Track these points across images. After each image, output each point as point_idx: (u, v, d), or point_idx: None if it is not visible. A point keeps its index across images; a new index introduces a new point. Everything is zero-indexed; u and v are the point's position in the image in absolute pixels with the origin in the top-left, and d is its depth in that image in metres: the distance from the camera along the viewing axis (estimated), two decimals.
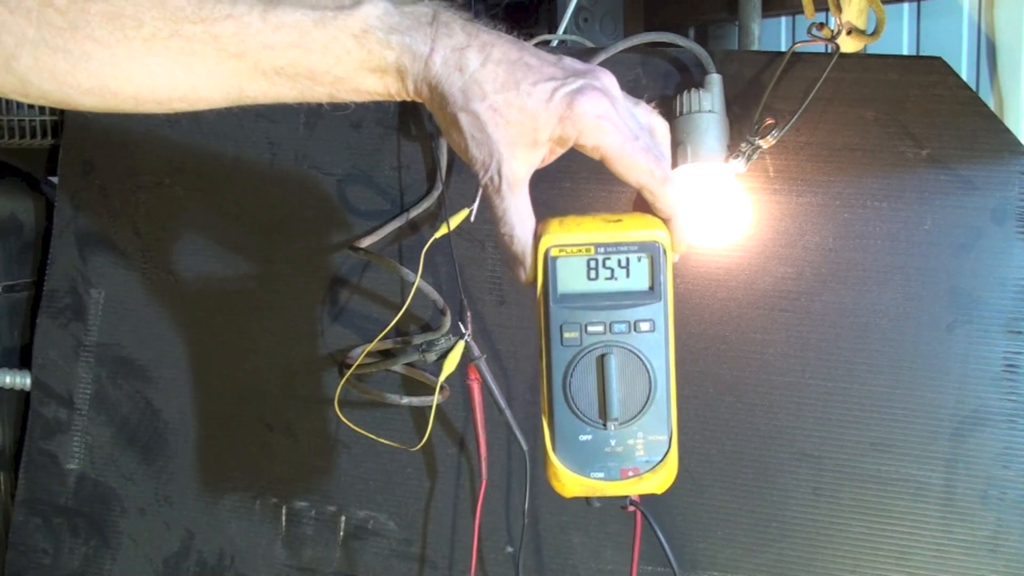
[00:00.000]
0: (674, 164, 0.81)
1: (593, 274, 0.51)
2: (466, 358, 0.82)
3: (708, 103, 0.79)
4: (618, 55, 0.83)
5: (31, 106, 1.01)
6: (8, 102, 1.01)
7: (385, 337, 0.88)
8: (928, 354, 0.80)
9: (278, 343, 0.95)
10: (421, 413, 0.90)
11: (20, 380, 1.01)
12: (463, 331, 0.81)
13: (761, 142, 0.76)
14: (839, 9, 0.80)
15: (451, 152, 0.89)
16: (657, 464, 0.52)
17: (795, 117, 0.75)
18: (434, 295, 0.85)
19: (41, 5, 0.44)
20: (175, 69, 0.47)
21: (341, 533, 0.94)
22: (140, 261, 0.98)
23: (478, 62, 0.49)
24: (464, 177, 0.89)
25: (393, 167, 0.92)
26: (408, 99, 0.51)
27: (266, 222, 0.95)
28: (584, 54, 0.85)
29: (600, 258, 0.51)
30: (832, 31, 0.79)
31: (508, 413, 0.81)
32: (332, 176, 0.93)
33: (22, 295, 1.04)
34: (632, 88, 0.86)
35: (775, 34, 1.15)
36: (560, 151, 0.52)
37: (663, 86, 0.85)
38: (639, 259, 0.51)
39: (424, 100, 0.51)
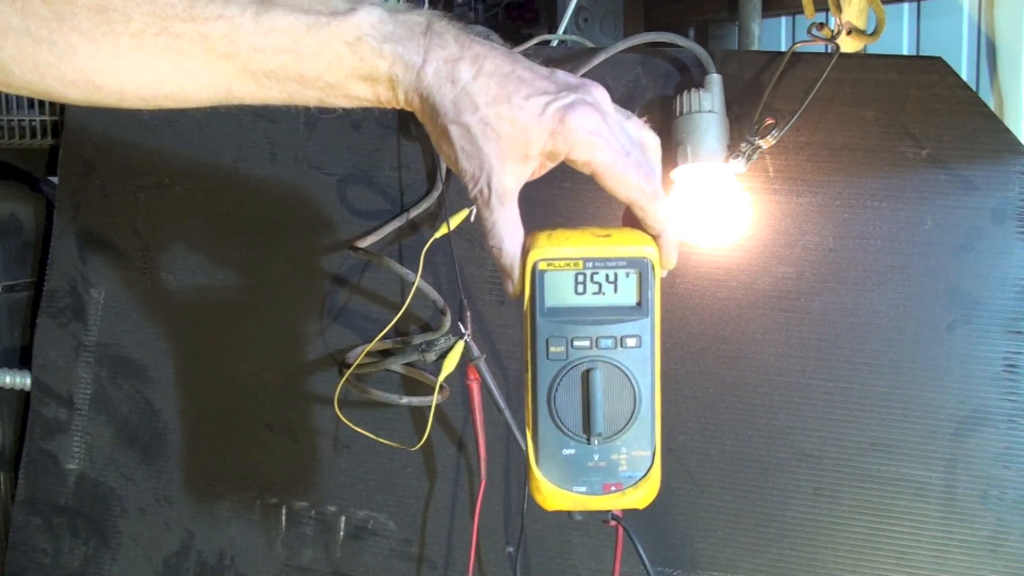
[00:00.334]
0: (674, 164, 0.81)
1: (581, 288, 0.51)
2: (466, 358, 0.82)
3: (708, 103, 0.79)
4: (618, 55, 0.83)
5: (31, 106, 1.01)
6: (8, 102, 1.01)
7: (385, 337, 0.88)
8: (928, 354, 0.80)
9: (278, 343, 0.95)
10: (421, 413, 0.90)
11: (20, 380, 1.01)
12: (463, 331, 0.81)
13: (761, 142, 0.76)
14: (839, 9, 0.80)
15: None
16: (640, 480, 0.52)
17: (795, 117, 0.75)
18: (434, 295, 0.85)
19: None
20: (162, 66, 0.47)
21: (341, 533, 0.94)
22: (140, 261, 0.98)
23: (470, 74, 0.49)
24: None
25: (393, 167, 0.92)
26: (399, 108, 0.51)
27: (266, 222, 0.95)
28: (584, 54, 0.85)
29: (588, 273, 0.51)
30: (832, 31, 0.79)
31: (507, 413, 0.81)
32: (332, 176, 0.93)
33: (22, 295, 1.04)
34: (632, 88, 0.86)
35: (775, 34, 1.15)
36: (551, 165, 0.52)
37: (663, 86, 0.85)
38: (627, 275, 0.51)
39: (415, 110, 0.51)
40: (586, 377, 0.51)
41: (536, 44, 0.89)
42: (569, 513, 0.54)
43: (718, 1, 1.10)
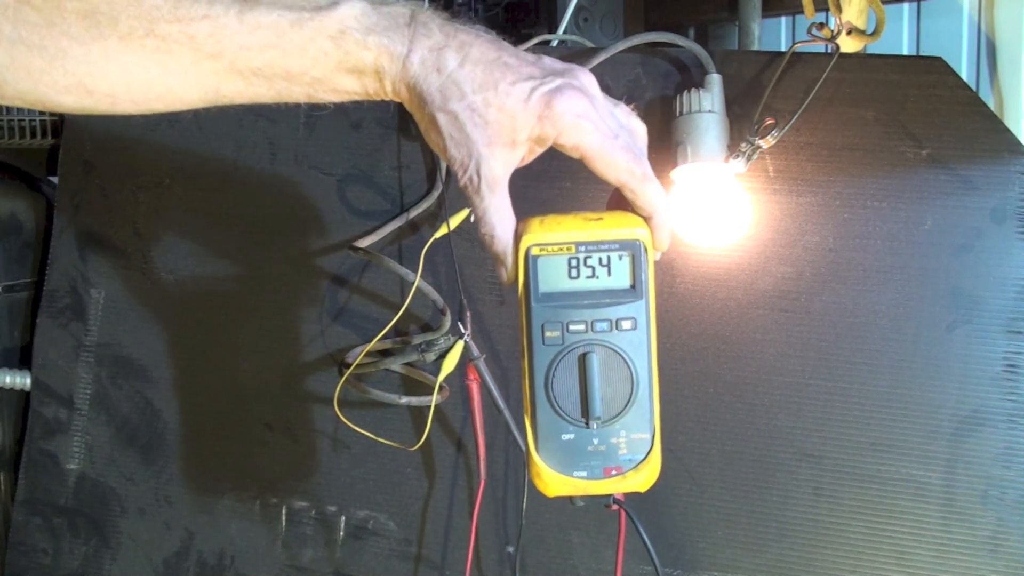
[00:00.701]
0: (674, 164, 0.81)
1: (574, 273, 0.51)
2: (465, 358, 0.82)
3: (708, 103, 0.79)
4: (618, 55, 0.83)
5: None
6: None
7: (384, 337, 0.88)
8: (928, 354, 0.80)
9: (278, 343, 0.95)
10: (420, 413, 0.90)
11: (20, 380, 1.01)
12: (462, 331, 0.81)
13: (761, 142, 0.76)
14: (839, 9, 0.80)
15: None
16: (640, 462, 0.52)
17: (795, 117, 0.75)
18: (434, 295, 0.85)
19: (18, 2, 0.44)
20: (151, 68, 0.47)
21: (341, 533, 0.94)
22: (140, 261, 0.98)
23: (456, 62, 0.49)
24: None
25: (393, 167, 0.92)
26: (387, 99, 0.51)
27: (266, 222, 0.95)
28: (584, 54, 0.85)
29: (581, 257, 0.51)
30: (832, 31, 0.79)
31: (507, 413, 0.81)
32: (332, 176, 0.93)
33: (22, 295, 1.04)
34: (632, 88, 0.86)
35: (775, 34, 1.15)
36: (539, 150, 0.52)
37: (663, 86, 0.85)
38: (620, 257, 0.51)
39: (403, 100, 0.51)
40: (583, 361, 0.51)
41: (536, 44, 0.89)
42: (570, 499, 0.54)
43: (718, 1, 1.10)
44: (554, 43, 0.96)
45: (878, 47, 0.84)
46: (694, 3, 1.13)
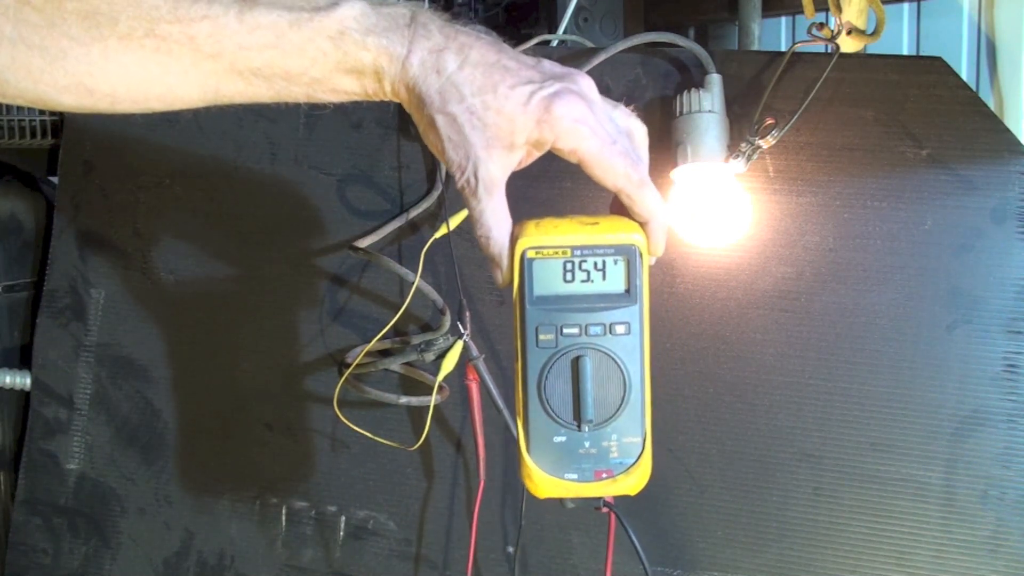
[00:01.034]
0: (674, 164, 0.81)
1: (569, 276, 0.51)
2: (465, 358, 0.82)
3: (708, 103, 0.79)
4: (618, 55, 0.83)
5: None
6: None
7: (384, 337, 0.88)
8: (928, 354, 0.80)
9: (278, 343, 0.95)
10: (420, 413, 0.90)
11: (20, 380, 1.01)
12: (462, 331, 0.81)
13: (761, 142, 0.76)
14: (839, 9, 0.80)
15: None
16: (631, 466, 0.53)
17: (795, 117, 0.75)
18: (433, 295, 0.85)
19: (18, 3, 0.45)
20: (151, 68, 0.47)
21: (341, 533, 0.94)
22: (140, 261, 0.98)
23: (456, 64, 0.49)
24: None
25: (393, 167, 0.92)
26: (386, 99, 0.51)
27: (266, 222, 0.95)
28: (584, 54, 0.85)
29: (576, 260, 0.51)
30: (832, 31, 0.79)
31: (506, 413, 0.81)
32: (332, 176, 0.93)
33: (22, 295, 1.04)
34: (632, 88, 0.86)
35: (775, 34, 1.15)
36: (537, 154, 0.52)
37: (663, 86, 0.85)
38: (615, 262, 0.51)
39: (402, 101, 0.51)
40: (576, 364, 0.51)
41: (536, 44, 0.89)
42: (561, 500, 0.54)
43: (718, 1, 1.10)
44: (554, 43, 0.96)
45: (878, 47, 0.84)
46: (694, 3, 1.13)
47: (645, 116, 0.85)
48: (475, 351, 0.81)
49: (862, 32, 0.80)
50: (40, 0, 0.45)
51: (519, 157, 0.51)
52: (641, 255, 0.52)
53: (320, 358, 0.93)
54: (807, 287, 0.82)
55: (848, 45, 0.82)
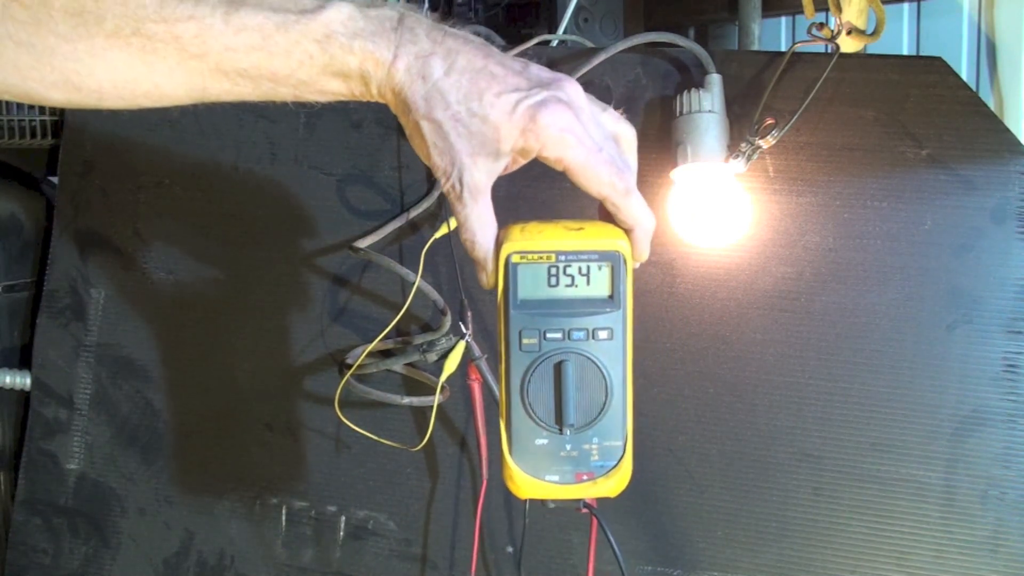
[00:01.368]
0: (674, 164, 0.81)
1: (553, 281, 0.52)
2: (467, 358, 0.82)
3: (708, 103, 0.79)
4: (618, 55, 0.83)
5: (31, 106, 1.01)
6: (8, 102, 1.01)
7: (386, 337, 0.88)
8: (928, 354, 0.80)
9: (278, 343, 0.95)
10: (422, 413, 0.90)
11: (20, 380, 1.00)
12: (464, 331, 0.81)
13: (761, 142, 0.76)
14: (839, 9, 0.81)
15: None
16: (611, 469, 0.53)
17: (795, 117, 0.75)
18: (434, 295, 0.85)
19: (6, 0, 0.45)
20: (137, 66, 0.47)
21: (341, 533, 0.94)
22: (140, 261, 0.98)
23: (442, 70, 0.49)
24: None
25: (393, 167, 0.92)
26: (373, 101, 0.51)
27: (266, 222, 0.95)
28: (584, 54, 0.85)
29: (561, 265, 0.52)
30: (832, 31, 0.79)
31: None
32: (332, 176, 0.93)
33: (22, 295, 1.04)
34: (632, 88, 0.86)
35: (775, 34, 1.15)
36: (523, 161, 0.52)
37: (663, 86, 0.85)
38: (600, 267, 0.52)
39: (389, 104, 0.51)
40: (558, 369, 0.52)
41: (536, 44, 0.89)
42: (543, 501, 0.55)
43: (718, 1, 1.11)
44: (554, 43, 0.96)
45: (878, 47, 0.84)
46: (694, 3, 1.13)
47: (645, 116, 0.86)
48: (477, 351, 0.81)
49: (862, 32, 0.80)
50: None
51: (504, 164, 0.51)
52: (625, 261, 0.52)
53: (320, 358, 0.93)
54: (807, 287, 0.82)
55: (848, 45, 0.82)
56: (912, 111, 0.79)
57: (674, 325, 0.85)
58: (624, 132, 0.54)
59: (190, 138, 0.96)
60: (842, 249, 0.81)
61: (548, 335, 0.52)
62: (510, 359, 0.52)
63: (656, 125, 0.85)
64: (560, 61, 0.87)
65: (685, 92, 0.80)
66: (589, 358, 0.52)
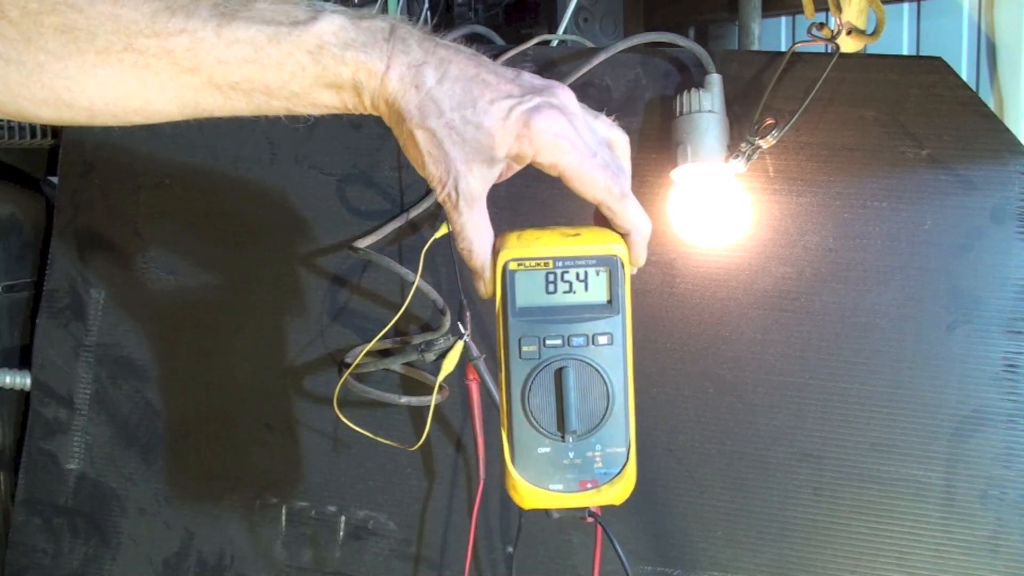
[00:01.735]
0: (674, 164, 0.81)
1: (551, 288, 0.52)
2: (465, 358, 0.82)
3: (708, 103, 0.79)
4: (618, 55, 0.83)
5: None
6: None
7: (384, 337, 0.88)
8: (928, 354, 0.80)
9: (278, 343, 0.95)
10: (420, 413, 0.90)
11: (20, 380, 1.01)
12: (462, 331, 0.81)
13: (761, 142, 0.76)
14: (839, 9, 0.80)
15: None
16: (615, 476, 0.53)
17: (795, 117, 0.75)
18: (434, 295, 0.85)
19: None
20: (129, 82, 0.47)
21: (341, 533, 0.94)
22: (140, 261, 0.98)
23: (435, 79, 0.49)
24: None
25: (393, 167, 0.92)
26: (367, 113, 0.51)
27: (266, 222, 0.95)
28: (584, 54, 0.85)
29: (558, 272, 0.52)
30: (832, 31, 0.79)
31: None
32: (332, 176, 0.93)
33: (22, 295, 1.04)
34: (632, 88, 0.86)
35: (775, 34, 1.15)
36: (518, 167, 0.52)
37: (663, 86, 0.85)
38: (597, 273, 0.52)
39: (382, 115, 0.51)
40: (559, 375, 0.51)
41: (536, 44, 0.89)
42: (547, 511, 0.54)
43: (718, 1, 1.10)
44: (554, 43, 0.96)
45: (878, 47, 0.84)
46: (694, 3, 1.13)
47: (645, 116, 0.85)
48: (475, 351, 0.81)
49: (862, 32, 0.80)
50: (17, 14, 0.44)
51: (499, 171, 0.51)
52: (623, 266, 0.52)
53: (320, 358, 0.93)
54: (807, 287, 0.82)
55: (848, 45, 0.82)
56: (912, 111, 0.79)
57: (674, 325, 0.85)
58: (617, 138, 0.55)
59: (190, 138, 0.97)
60: (842, 249, 0.81)
61: (548, 342, 0.52)
62: (510, 367, 0.52)
63: (656, 125, 0.85)
64: (560, 61, 0.87)
65: (685, 92, 0.80)
66: (590, 364, 0.52)
